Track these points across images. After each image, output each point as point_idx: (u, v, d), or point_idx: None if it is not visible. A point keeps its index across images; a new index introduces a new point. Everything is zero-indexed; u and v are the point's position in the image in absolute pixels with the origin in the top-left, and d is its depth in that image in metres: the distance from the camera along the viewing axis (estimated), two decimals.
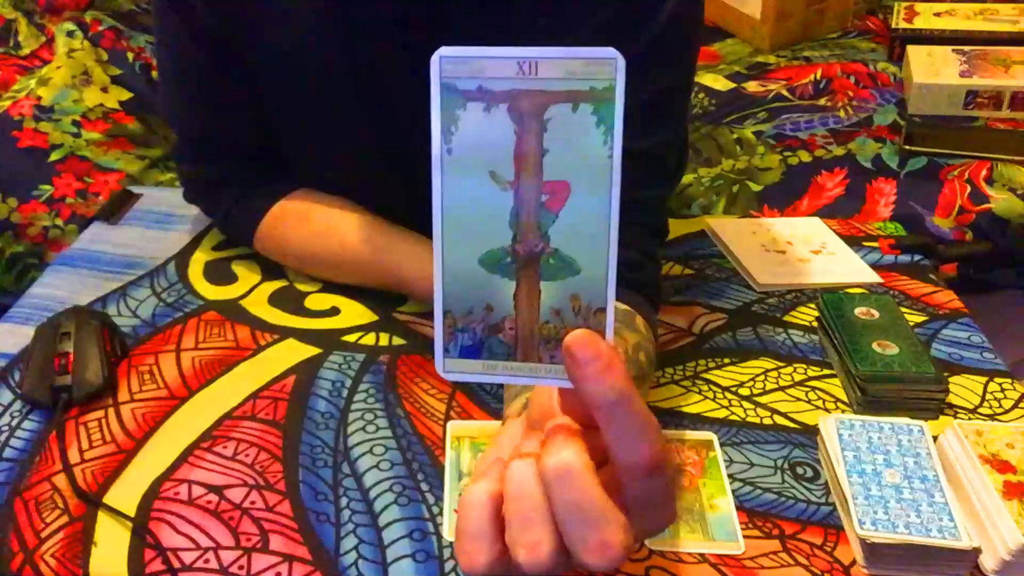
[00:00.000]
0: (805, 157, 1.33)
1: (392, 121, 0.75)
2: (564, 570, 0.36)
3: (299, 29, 0.73)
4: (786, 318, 0.82)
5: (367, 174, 0.81)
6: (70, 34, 1.48)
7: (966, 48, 1.49)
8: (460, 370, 0.37)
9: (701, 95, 1.51)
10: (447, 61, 0.33)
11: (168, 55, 0.81)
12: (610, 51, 0.33)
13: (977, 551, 0.57)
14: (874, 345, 0.73)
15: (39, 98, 1.38)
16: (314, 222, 0.82)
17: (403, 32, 0.71)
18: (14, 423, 0.69)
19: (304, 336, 0.79)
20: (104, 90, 1.42)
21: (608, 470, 0.35)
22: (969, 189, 1.21)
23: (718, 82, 1.55)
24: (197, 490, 0.64)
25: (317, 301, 0.83)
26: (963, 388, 0.74)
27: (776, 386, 0.74)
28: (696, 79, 1.47)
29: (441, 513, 0.62)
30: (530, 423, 0.38)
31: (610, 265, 0.35)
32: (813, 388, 0.74)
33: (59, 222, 1.26)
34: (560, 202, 0.34)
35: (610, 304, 0.35)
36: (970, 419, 0.70)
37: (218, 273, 0.87)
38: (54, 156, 1.32)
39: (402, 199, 0.70)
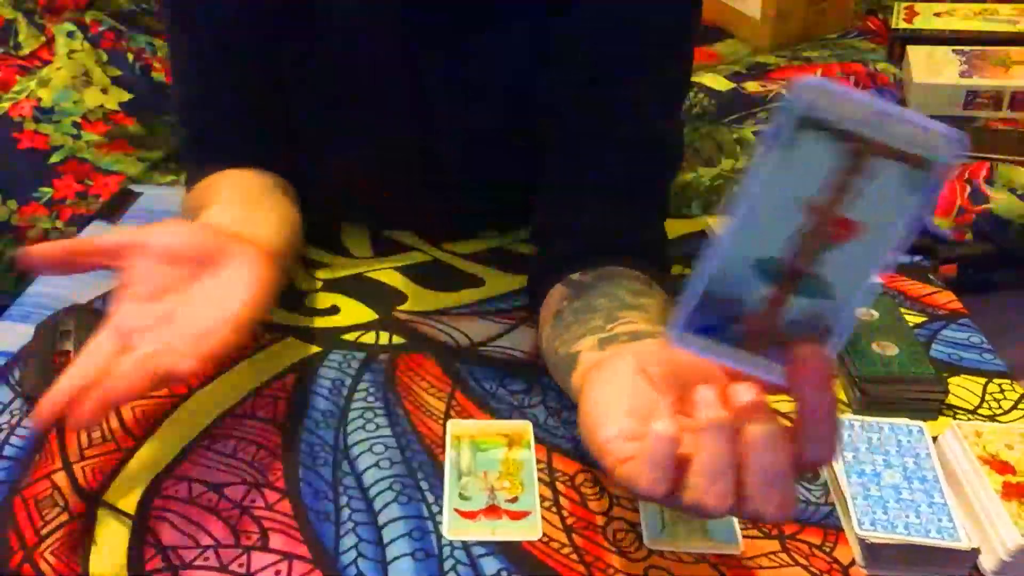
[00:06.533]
0: None
1: (430, 92, 0.76)
2: (731, 515, 0.46)
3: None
4: None
5: (387, 150, 0.81)
6: (70, 35, 1.48)
7: (966, 48, 1.49)
8: (689, 339, 0.41)
9: (701, 95, 1.50)
10: (807, 88, 0.36)
11: (185, 42, 0.79)
12: (955, 132, 0.36)
13: (976, 552, 0.57)
14: (874, 346, 0.73)
15: (39, 99, 1.38)
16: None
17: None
18: (14, 421, 0.69)
19: (304, 335, 0.79)
20: (104, 91, 1.42)
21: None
22: (969, 189, 1.21)
23: (718, 82, 1.54)
24: (197, 488, 0.64)
25: (317, 300, 0.83)
26: (963, 389, 0.74)
27: None
28: (696, 79, 1.47)
29: (441, 512, 0.62)
30: (673, 374, 0.46)
31: (859, 303, 0.39)
32: None
33: (59, 224, 1.26)
34: (845, 238, 0.38)
35: (845, 334, 0.40)
36: (970, 420, 0.70)
37: None
38: (54, 158, 1.32)
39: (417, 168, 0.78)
